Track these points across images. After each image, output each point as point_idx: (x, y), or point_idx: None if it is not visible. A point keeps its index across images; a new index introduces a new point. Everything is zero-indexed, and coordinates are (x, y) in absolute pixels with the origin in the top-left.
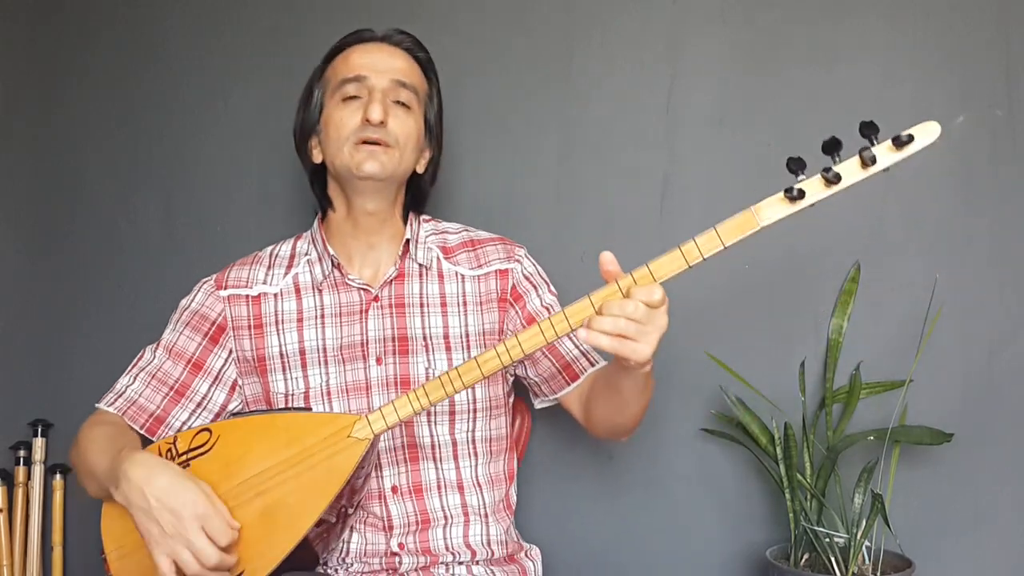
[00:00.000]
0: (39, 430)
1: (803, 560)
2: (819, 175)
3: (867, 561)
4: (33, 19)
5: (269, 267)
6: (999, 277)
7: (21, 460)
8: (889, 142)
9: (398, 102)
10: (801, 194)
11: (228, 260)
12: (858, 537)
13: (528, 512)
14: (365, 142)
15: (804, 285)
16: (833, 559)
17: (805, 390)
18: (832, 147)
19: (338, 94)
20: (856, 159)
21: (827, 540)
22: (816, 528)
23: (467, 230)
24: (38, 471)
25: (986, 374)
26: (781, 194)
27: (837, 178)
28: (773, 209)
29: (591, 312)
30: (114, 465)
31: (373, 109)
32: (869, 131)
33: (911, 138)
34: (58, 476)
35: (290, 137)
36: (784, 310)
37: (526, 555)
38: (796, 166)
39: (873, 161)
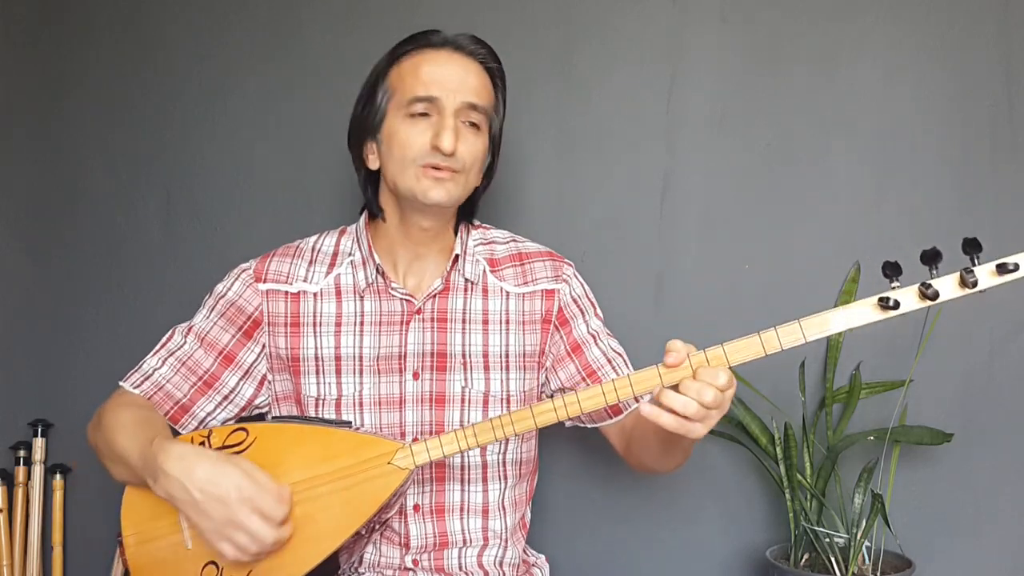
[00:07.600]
0: (39, 430)
1: (803, 560)
2: (917, 288)
3: (867, 561)
4: (34, 19)
5: (311, 263)
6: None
7: (21, 460)
8: (993, 267)
9: (468, 122)
10: (896, 304)
11: (228, 260)
12: (858, 537)
13: (533, 519)
14: (433, 167)
15: (804, 285)
16: (833, 559)
17: (805, 390)
18: (932, 258)
19: (405, 109)
20: (956, 277)
21: (827, 540)
22: (816, 528)
23: (515, 240)
24: (38, 471)
25: (986, 374)
26: (875, 300)
27: (935, 295)
28: (862, 313)
29: (657, 382)
30: (148, 456)
31: (445, 138)
32: (971, 250)
33: (1016, 267)
34: (58, 476)
35: (290, 137)
36: (784, 310)
37: (534, 565)
38: (892, 271)
39: (974, 284)
